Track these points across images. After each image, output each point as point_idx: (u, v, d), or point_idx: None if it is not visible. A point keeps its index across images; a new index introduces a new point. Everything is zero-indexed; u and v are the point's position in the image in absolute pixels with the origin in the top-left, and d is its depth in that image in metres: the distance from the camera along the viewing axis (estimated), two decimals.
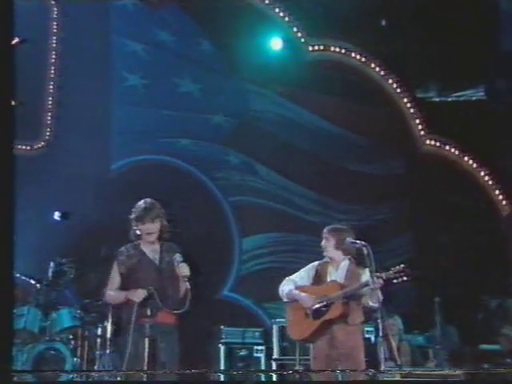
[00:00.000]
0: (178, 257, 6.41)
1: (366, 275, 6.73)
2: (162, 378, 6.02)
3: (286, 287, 6.93)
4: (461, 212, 9.78)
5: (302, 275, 7.00)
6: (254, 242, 10.45)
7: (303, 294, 6.84)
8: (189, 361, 8.35)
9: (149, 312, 6.24)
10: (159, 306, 6.27)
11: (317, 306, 6.79)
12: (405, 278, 6.65)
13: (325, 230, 7.02)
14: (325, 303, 6.75)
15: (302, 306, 6.85)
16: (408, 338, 9.10)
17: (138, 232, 6.49)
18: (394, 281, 6.66)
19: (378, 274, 6.57)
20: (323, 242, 6.99)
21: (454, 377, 6.86)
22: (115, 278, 6.46)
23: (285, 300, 7.00)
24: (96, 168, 10.10)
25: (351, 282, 6.79)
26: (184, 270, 6.36)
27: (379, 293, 6.60)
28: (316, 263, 7.02)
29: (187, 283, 6.33)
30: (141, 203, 6.54)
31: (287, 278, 7.02)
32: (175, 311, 6.33)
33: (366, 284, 6.60)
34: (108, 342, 8.43)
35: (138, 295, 6.25)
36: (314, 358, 6.85)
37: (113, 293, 6.47)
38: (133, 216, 6.51)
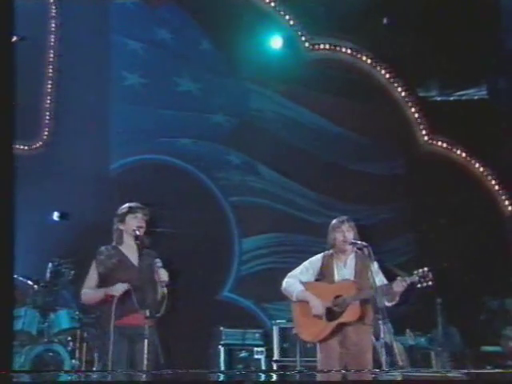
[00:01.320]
0: (157, 262, 6.43)
1: (374, 268, 6.66)
2: (162, 378, 5.98)
3: (295, 287, 6.72)
4: (463, 212, 9.74)
5: (307, 269, 6.81)
6: (255, 243, 10.38)
7: (316, 300, 6.63)
8: (189, 362, 8.36)
9: (148, 313, 6.22)
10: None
11: (335, 308, 6.63)
12: (429, 283, 6.55)
13: (335, 222, 6.88)
14: (342, 306, 6.60)
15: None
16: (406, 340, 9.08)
17: (122, 231, 6.56)
18: (418, 285, 6.57)
19: (401, 277, 6.49)
20: (332, 234, 6.83)
21: (456, 378, 6.83)
22: (93, 277, 6.49)
23: (292, 299, 6.79)
24: (95, 168, 10.05)
25: (361, 277, 6.69)
26: (163, 275, 6.37)
27: (398, 295, 6.54)
28: (320, 256, 6.85)
29: (165, 289, 6.31)
30: (129, 204, 6.65)
31: (290, 275, 6.84)
32: (150, 317, 6.26)
33: (389, 287, 6.50)
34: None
35: (117, 289, 6.28)
36: (324, 357, 6.67)
37: (90, 291, 6.48)
38: (124, 210, 6.61)
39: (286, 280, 6.86)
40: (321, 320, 6.65)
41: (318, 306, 6.64)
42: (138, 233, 6.47)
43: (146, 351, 6.17)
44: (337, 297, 6.68)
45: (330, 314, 6.65)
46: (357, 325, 6.63)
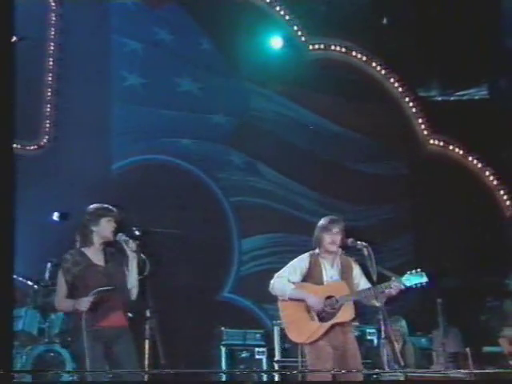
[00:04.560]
0: (121, 236, 6.34)
1: (356, 268, 6.66)
2: (162, 378, 5.96)
3: (287, 286, 6.63)
4: (464, 212, 9.74)
5: (295, 270, 6.71)
6: (255, 243, 10.38)
7: (312, 297, 6.58)
8: (190, 362, 8.35)
9: (148, 313, 6.20)
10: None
11: (327, 309, 6.59)
12: (424, 284, 6.56)
13: (324, 222, 6.84)
14: (335, 306, 6.59)
15: (303, 307, 6.62)
16: (411, 340, 9.06)
17: (94, 232, 6.38)
18: (413, 286, 6.58)
19: (397, 280, 6.51)
20: (320, 234, 6.78)
21: (456, 378, 6.83)
22: (62, 287, 6.34)
23: (284, 298, 6.69)
24: (95, 168, 10.01)
25: (346, 279, 6.68)
26: (132, 245, 6.30)
27: (390, 297, 6.54)
28: (307, 255, 6.77)
29: (142, 255, 6.28)
30: (101, 205, 6.50)
31: (278, 275, 6.74)
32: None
33: (384, 289, 6.49)
34: None
35: (84, 304, 6.13)
36: (315, 358, 6.60)
37: (62, 301, 6.38)
38: (100, 212, 6.40)
39: (274, 280, 6.74)
40: (313, 321, 6.62)
41: (316, 302, 6.60)
42: (111, 238, 6.40)
43: (146, 351, 6.16)
44: (328, 297, 6.65)
45: (323, 315, 6.62)
46: (344, 324, 6.61)
